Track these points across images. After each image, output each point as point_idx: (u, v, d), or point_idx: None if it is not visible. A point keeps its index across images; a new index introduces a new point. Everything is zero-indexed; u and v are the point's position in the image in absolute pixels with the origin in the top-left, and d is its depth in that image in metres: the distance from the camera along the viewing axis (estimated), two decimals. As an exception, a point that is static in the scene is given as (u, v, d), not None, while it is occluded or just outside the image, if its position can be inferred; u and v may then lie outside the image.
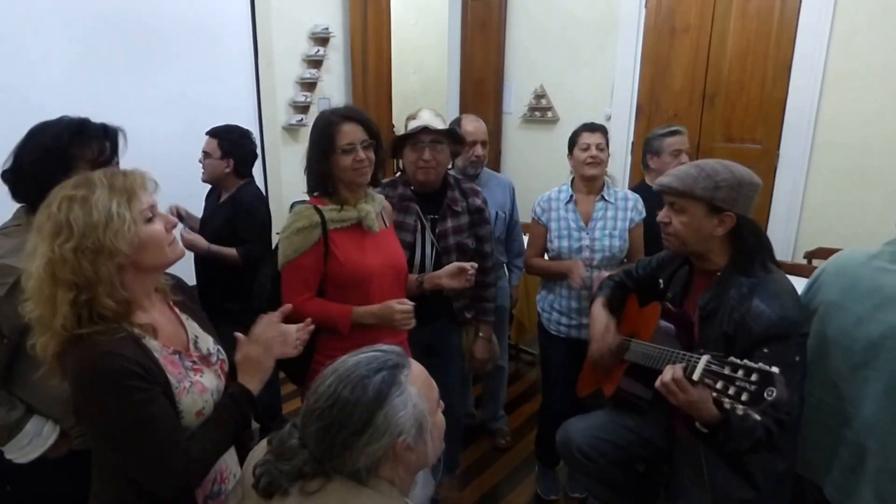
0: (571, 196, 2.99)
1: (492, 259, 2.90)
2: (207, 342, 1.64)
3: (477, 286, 2.78)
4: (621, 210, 2.94)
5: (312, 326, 1.82)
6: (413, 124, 2.57)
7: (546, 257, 3.10)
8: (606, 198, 2.95)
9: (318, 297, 2.23)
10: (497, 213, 3.33)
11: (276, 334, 1.64)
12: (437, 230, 2.66)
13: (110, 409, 1.31)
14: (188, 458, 1.38)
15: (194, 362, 1.53)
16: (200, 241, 3.08)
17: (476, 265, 2.48)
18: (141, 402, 1.31)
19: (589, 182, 2.95)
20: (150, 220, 1.42)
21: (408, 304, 2.19)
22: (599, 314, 2.44)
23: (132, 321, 1.40)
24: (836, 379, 1.95)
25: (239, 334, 1.63)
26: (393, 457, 1.21)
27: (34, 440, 1.81)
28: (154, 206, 1.44)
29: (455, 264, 2.47)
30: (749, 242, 2.02)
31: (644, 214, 2.95)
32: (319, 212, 2.18)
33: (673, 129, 3.40)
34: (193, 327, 1.63)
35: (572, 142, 2.98)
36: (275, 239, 2.68)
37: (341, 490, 1.19)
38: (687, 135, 3.38)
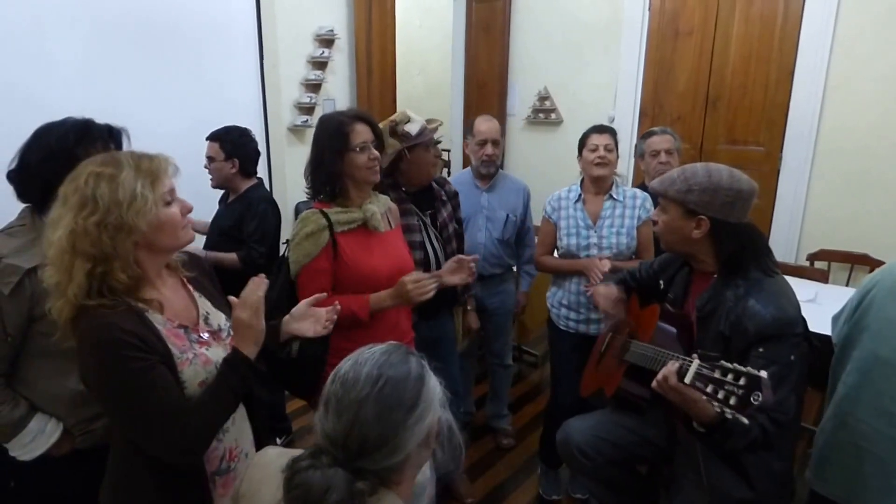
0: (580, 195, 3.02)
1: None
2: (219, 319, 1.68)
3: None
4: (629, 208, 2.95)
5: (339, 307, 1.88)
6: (414, 127, 2.60)
7: (556, 255, 3.15)
8: (615, 196, 2.97)
9: (335, 294, 2.21)
10: (508, 216, 3.38)
11: (257, 299, 1.59)
12: (437, 222, 2.75)
13: (110, 376, 1.38)
14: (188, 424, 1.42)
15: (201, 336, 1.58)
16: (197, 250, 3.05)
17: (477, 257, 2.53)
18: (139, 370, 1.37)
19: (597, 182, 2.97)
20: (168, 204, 1.48)
21: (417, 274, 2.20)
22: (602, 284, 2.57)
23: (139, 296, 1.46)
24: (892, 405, 1.86)
25: (231, 297, 1.63)
26: (429, 438, 1.22)
27: (37, 438, 1.82)
28: (173, 191, 1.50)
29: (454, 259, 2.48)
30: (727, 248, 2.01)
31: (653, 212, 2.94)
32: (325, 215, 2.19)
33: (651, 130, 3.46)
34: (205, 304, 1.68)
35: (581, 143, 3.01)
36: (282, 248, 2.68)
37: None
38: (671, 134, 3.39)
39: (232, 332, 1.66)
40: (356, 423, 1.14)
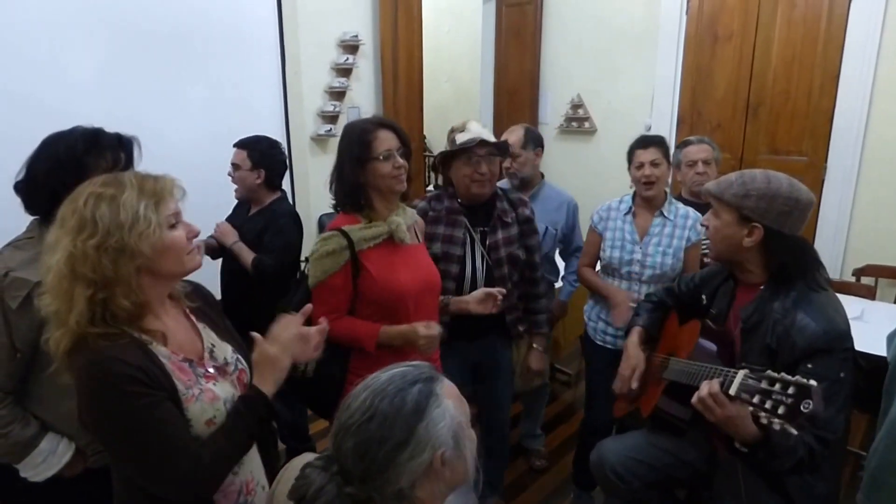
0: (631, 208, 2.96)
1: (541, 270, 2.91)
2: (225, 351, 1.62)
3: (527, 299, 2.86)
4: (679, 228, 2.87)
5: (326, 327, 1.80)
6: (463, 137, 2.55)
7: (598, 266, 3.11)
8: (665, 214, 2.89)
9: (347, 316, 2.21)
10: (547, 228, 3.32)
11: (294, 334, 1.62)
12: (487, 242, 2.66)
13: (112, 414, 1.32)
14: (199, 462, 1.37)
15: (207, 371, 1.52)
16: (230, 233, 3.10)
17: (504, 291, 2.48)
18: (145, 406, 1.31)
19: (646, 200, 2.91)
20: (173, 227, 1.43)
21: (433, 329, 2.15)
22: (632, 349, 2.43)
23: (141, 326, 1.40)
24: None
25: (255, 334, 1.60)
26: (432, 473, 1.18)
27: (49, 458, 1.80)
28: (178, 214, 1.45)
29: (482, 290, 2.45)
30: (780, 260, 1.97)
31: (703, 234, 2.88)
32: (346, 234, 2.16)
33: (688, 139, 3.40)
34: (210, 336, 1.62)
35: (629, 158, 2.95)
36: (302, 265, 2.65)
37: None
38: (709, 143, 3.33)
39: (239, 366, 1.63)
40: (341, 451, 1.18)
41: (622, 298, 2.83)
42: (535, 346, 2.94)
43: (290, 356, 1.58)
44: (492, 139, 2.57)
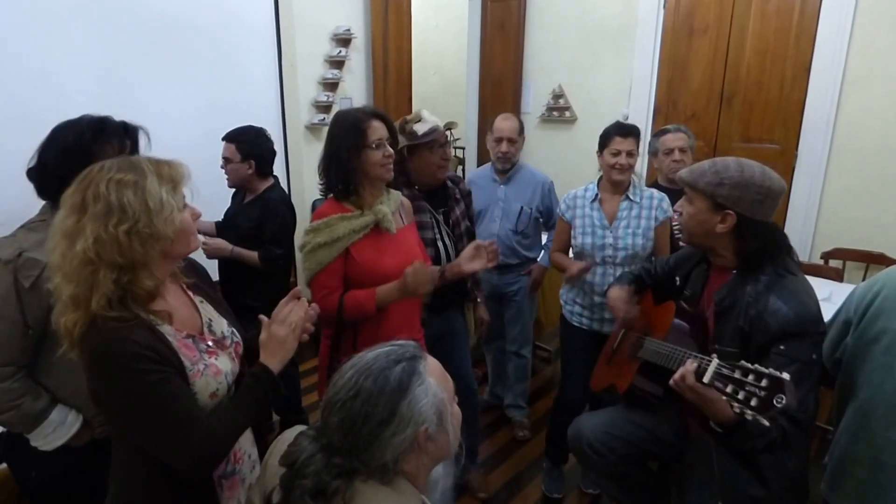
0: (597, 195, 3.01)
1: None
2: (221, 325, 1.67)
3: None
4: (646, 209, 2.93)
5: (318, 309, 1.78)
6: (423, 126, 2.61)
7: (571, 254, 3.14)
8: (631, 197, 2.94)
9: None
10: (522, 208, 3.49)
11: (302, 316, 1.62)
12: (450, 221, 2.77)
13: (125, 391, 1.35)
14: (210, 433, 1.41)
15: (208, 346, 1.56)
16: (224, 245, 3.13)
17: (495, 241, 2.50)
18: (156, 382, 1.35)
19: (615, 184, 2.95)
20: (181, 210, 1.47)
21: (418, 264, 2.17)
22: (616, 287, 2.53)
23: (150, 307, 1.43)
24: None
25: (263, 316, 1.63)
26: (416, 448, 1.21)
27: (58, 428, 1.86)
28: (184, 196, 1.49)
29: (472, 245, 2.44)
30: (750, 245, 1.99)
31: (669, 213, 2.93)
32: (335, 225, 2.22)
33: (665, 128, 3.46)
34: (207, 310, 1.66)
35: (603, 142, 2.96)
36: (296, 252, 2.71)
37: (364, 495, 1.19)
38: (685, 132, 3.39)
39: (235, 340, 1.68)
40: (328, 425, 1.21)
41: (569, 263, 2.99)
42: (479, 300, 3.08)
43: (297, 338, 1.60)
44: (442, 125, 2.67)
